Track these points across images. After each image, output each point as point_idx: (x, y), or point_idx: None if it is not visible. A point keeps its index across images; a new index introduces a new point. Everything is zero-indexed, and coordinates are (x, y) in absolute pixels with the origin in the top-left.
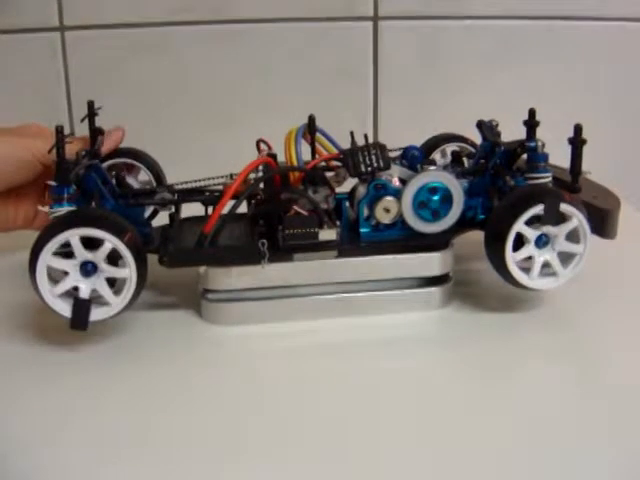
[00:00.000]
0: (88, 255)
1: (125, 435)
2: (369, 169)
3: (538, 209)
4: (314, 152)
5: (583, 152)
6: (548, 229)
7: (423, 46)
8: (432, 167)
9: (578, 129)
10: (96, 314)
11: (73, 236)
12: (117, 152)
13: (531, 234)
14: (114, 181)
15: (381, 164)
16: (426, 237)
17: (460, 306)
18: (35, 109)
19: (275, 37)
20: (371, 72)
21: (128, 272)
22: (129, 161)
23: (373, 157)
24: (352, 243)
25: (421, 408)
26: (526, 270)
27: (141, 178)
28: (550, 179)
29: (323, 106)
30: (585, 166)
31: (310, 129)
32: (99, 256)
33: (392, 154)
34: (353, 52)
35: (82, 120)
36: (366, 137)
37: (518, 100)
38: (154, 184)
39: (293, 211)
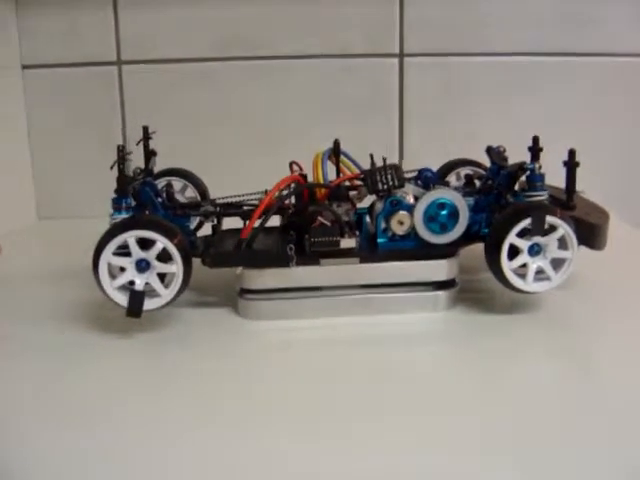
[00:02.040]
0: (142, 254)
1: (171, 413)
2: (385, 187)
3: (527, 222)
4: (339, 172)
5: (595, 172)
6: (538, 239)
7: (445, 80)
8: (442, 186)
9: (572, 153)
10: (149, 304)
11: (130, 237)
12: (169, 172)
13: (523, 244)
14: (165, 195)
15: (396, 183)
16: (435, 247)
17: (465, 309)
18: (93, 134)
19: (309, 72)
20: (397, 104)
21: (176, 268)
22: (179, 179)
23: (389, 177)
24: (370, 251)
25: (424, 396)
26: (522, 276)
27: (188, 194)
28: (546, 197)
29: (353, 135)
30: (590, 184)
31: (335, 152)
32: (151, 254)
33: (409, 175)
34: (381, 86)
35: (137, 143)
36: (384, 159)
37: (532, 129)
38: (199, 200)
39: (318, 222)
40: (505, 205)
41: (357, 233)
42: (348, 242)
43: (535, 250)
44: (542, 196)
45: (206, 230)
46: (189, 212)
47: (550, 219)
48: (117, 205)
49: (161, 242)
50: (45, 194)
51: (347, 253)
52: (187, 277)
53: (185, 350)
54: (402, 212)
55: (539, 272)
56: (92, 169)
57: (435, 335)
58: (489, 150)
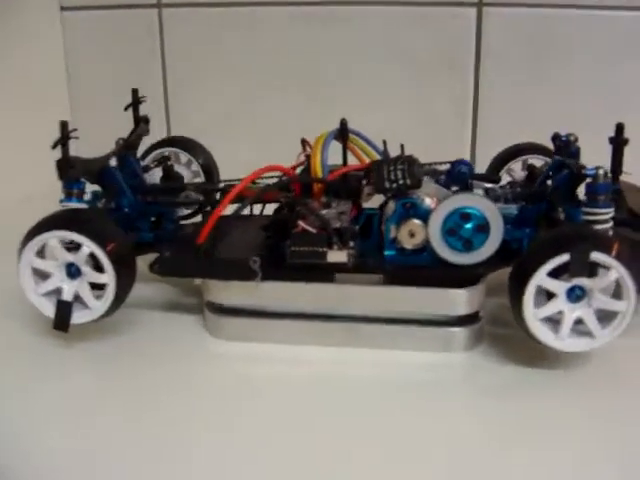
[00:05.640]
0: (69, 257)
1: (107, 435)
2: (394, 185)
3: (563, 259)
4: (345, 160)
5: None
6: (581, 281)
7: (532, 37)
8: (480, 188)
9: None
10: (78, 317)
11: (52, 238)
12: (167, 141)
13: (558, 287)
14: (161, 171)
15: (407, 181)
16: (458, 268)
17: (487, 351)
18: (133, 79)
19: (370, 21)
20: (472, 63)
21: (107, 278)
22: (177, 151)
23: (399, 173)
24: (373, 266)
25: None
26: (557, 325)
27: (195, 169)
28: (610, 215)
29: (418, 97)
30: None
31: (342, 135)
32: (79, 259)
33: (442, 167)
34: (454, 40)
35: (126, 108)
36: (402, 148)
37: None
38: (201, 175)
39: (300, 227)
40: (554, 222)
41: (351, 244)
42: (337, 255)
43: (576, 294)
44: (605, 214)
45: None
46: (160, 200)
47: (599, 257)
48: (68, 190)
49: (88, 247)
50: (84, 141)
51: (334, 269)
52: (123, 289)
53: (127, 368)
54: (415, 220)
55: (579, 323)
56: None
57: (441, 386)
58: (555, 139)
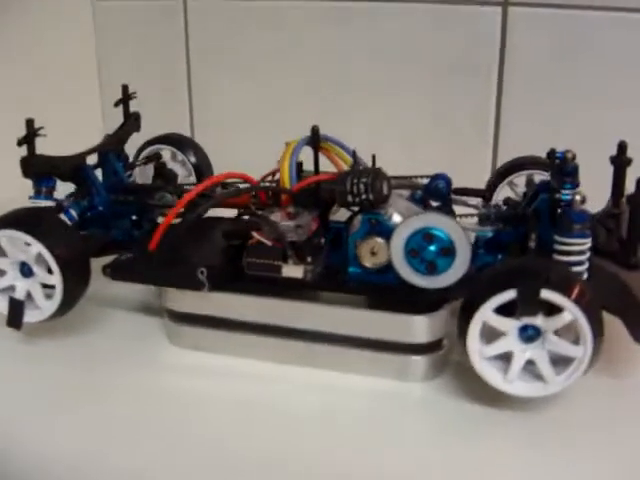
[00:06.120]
0: (21, 256)
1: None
2: (356, 200)
3: (509, 295)
4: (317, 168)
5: None
6: (534, 320)
7: (561, 40)
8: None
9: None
10: (29, 316)
11: (2, 237)
12: (161, 139)
13: (507, 325)
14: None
15: (370, 196)
16: (422, 292)
17: (449, 382)
18: (159, 70)
19: (391, 19)
20: (496, 66)
21: (55, 280)
22: (169, 148)
23: (362, 186)
24: (327, 285)
25: None
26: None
27: (190, 166)
28: (586, 246)
29: (438, 100)
30: None
31: (314, 142)
32: (29, 258)
33: (422, 181)
34: (477, 41)
35: (116, 105)
36: (373, 159)
37: None
38: (192, 173)
39: (255, 238)
40: (523, 249)
41: (309, 259)
42: (292, 270)
43: (529, 334)
44: (577, 245)
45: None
46: (131, 200)
47: (550, 295)
48: (37, 188)
49: (36, 247)
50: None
51: (293, 284)
52: (73, 291)
53: (76, 366)
54: (377, 238)
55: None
56: (161, 106)
57: (388, 420)
58: (551, 155)
